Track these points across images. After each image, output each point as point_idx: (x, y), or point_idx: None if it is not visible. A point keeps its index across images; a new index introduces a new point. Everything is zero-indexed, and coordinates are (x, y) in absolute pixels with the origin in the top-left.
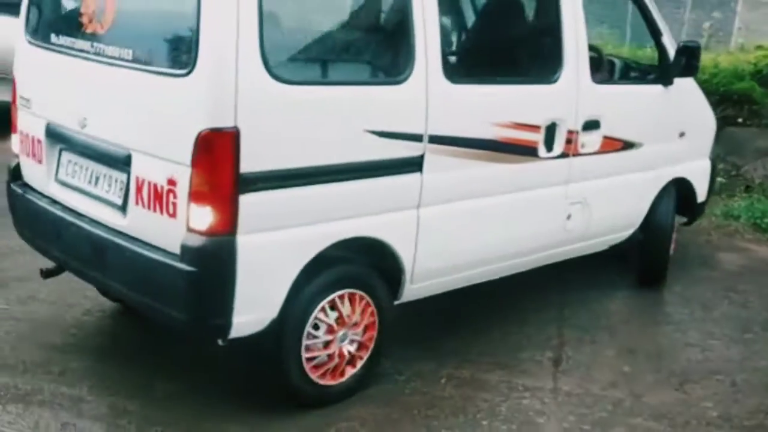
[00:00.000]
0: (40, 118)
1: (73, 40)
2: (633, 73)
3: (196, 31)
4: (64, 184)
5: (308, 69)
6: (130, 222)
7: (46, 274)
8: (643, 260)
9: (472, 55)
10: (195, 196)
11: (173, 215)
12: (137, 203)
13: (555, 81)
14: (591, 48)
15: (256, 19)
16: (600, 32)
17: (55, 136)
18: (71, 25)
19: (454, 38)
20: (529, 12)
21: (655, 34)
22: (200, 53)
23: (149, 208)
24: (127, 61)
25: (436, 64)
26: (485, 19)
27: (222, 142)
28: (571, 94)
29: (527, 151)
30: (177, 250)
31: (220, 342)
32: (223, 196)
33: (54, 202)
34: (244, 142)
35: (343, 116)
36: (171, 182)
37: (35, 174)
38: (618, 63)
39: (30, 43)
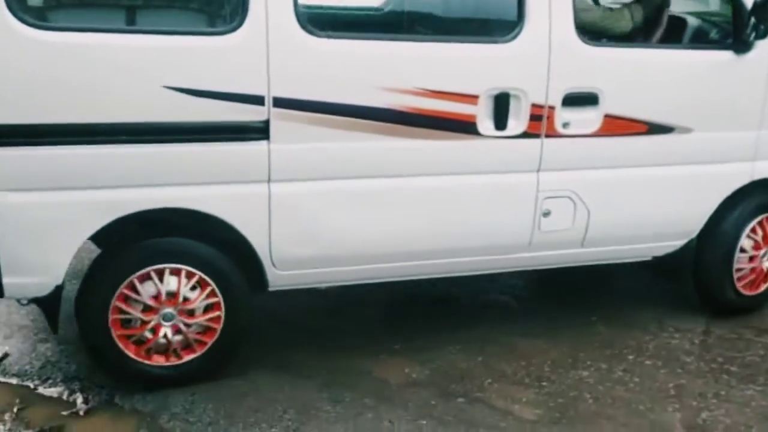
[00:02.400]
0: None
1: None
2: (687, 33)
3: None
4: None
5: (76, 14)
6: None
7: None
8: (696, 280)
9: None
10: None
11: None
12: None
13: (509, 39)
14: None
15: None
16: None
17: None
18: None
19: None
20: None
21: None
22: None
23: None
24: None
25: (285, 12)
26: None
27: None
28: (537, 57)
29: (456, 126)
30: None
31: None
32: None
33: None
34: None
35: (131, 70)
36: None
37: None
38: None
39: None
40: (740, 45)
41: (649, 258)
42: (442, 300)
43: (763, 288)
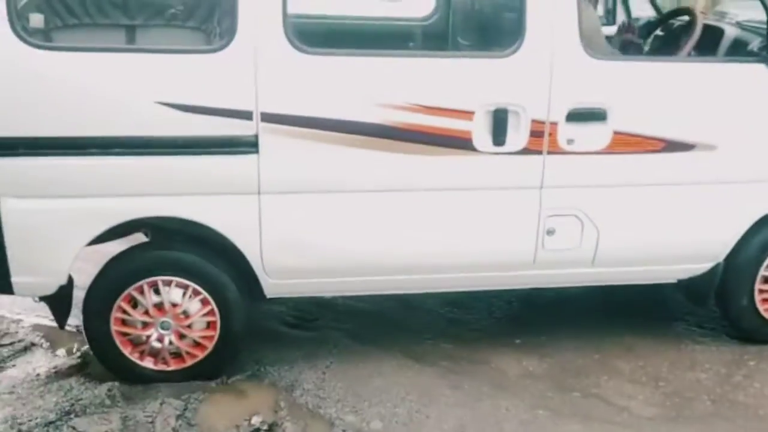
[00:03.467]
0: None
1: None
2: (723, 45)
3: None
4: None
5: (77, 35)
6: None
7: None
8: (719, 305)
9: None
10: None
11: None
12: None
13: (508, 53)
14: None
15: None
16: None
17: None
18: None
19: None
20: None
21: None
22: None
23: None
24: None
25: (274, 29)
26: None
27: None
28: (537, 71)
29: (452, 142)
30: None
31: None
32: None
33: None
34: None
35: (126, 86)
36: None
37: None
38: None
39: None
40: None
41: (673, 280)
42: (565, 299)
43: None
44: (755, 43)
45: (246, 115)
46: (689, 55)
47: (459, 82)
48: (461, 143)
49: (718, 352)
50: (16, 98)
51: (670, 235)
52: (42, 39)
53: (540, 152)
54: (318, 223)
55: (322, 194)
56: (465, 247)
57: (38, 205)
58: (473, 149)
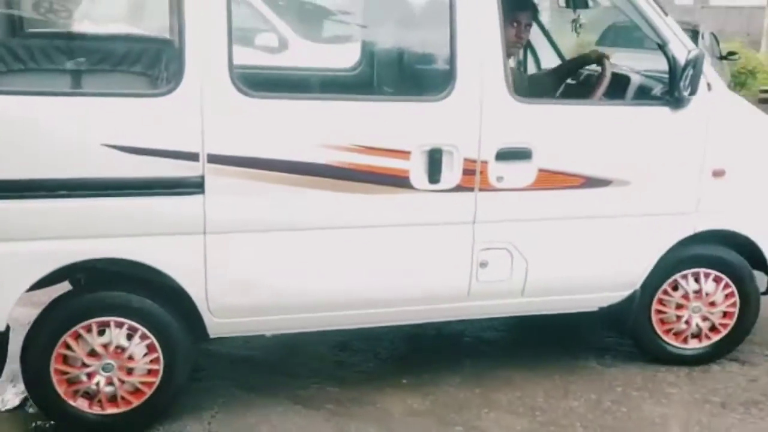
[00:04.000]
0: None
1: None
2: (630, 90)
3: None
4: None
5: (25, 80)
6: None
7: None
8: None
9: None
10: None
11: None
12: None
13: (441, 97)
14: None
15: None
16: None
17: None
18: None
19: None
20: (398, 10)
21: (659, 41)
22: None
23: None
24: None
25: (219, 74)
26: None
27: None
28: (468, 114)
29: (390, 180)
30: None
31: None
32: None
33: None
34: None
35: (74, 129)
36: None
37: None
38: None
39: None
40: (676, 101)
41: (595, 308)
42: (447, 336)
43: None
44: (657, 89)
45: (193, 157)
46: (601, 99)
47: (397, 123)
48: (400, 181)
49: (589, 380)
50: None
51: (592, 265)
52: None
53: (472, 189)
54: (262, 262)
55: (267, 233)
56: (405, 281)
57: None
58: (411, 187)
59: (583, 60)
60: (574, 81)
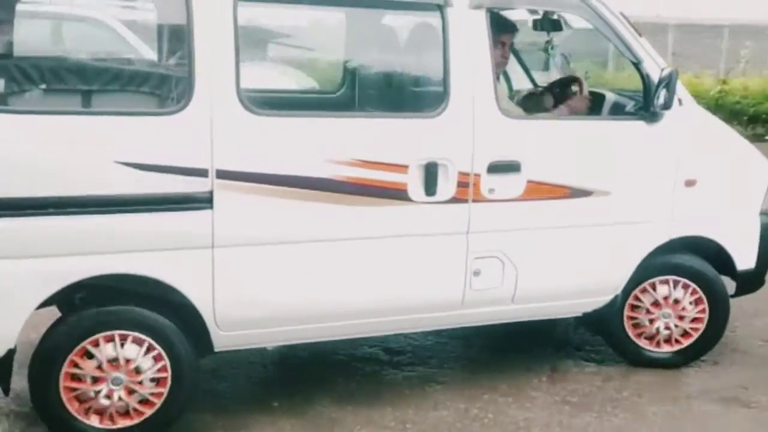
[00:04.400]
0: None
1: None
2: (606, 106)
3: None
4: None
5: (38, 99)
6: None
7: None
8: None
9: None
10: None
11: None
12: None
13: (436, 114)
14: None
15: None
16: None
17: None
18: None
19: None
20: (393, 37)
21: (634, 60)
22: None
23: None
24: None
25: (228, 94)
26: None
27: None
28: (461, 130)
29: (390, 193)
30: None
31: None
32: None
33: None
34: None
35: (87, 147)
36: None
37: None
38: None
39: None
40: (651, 115)
41: (579, 314)
42: (320, 355)
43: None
44: (630, 105)
45: (202, 173)
46: (582, 114)
47: (395, 139)
48: (398, 194)
49: (459, 390)
50: None
51: (577, 271)
52: (1, 103)
53: (466, 200)
54: (269, 274)
55: (273, 246)
56: (405, 290)
57: None
58: (408, 199)
59: (564, 81)
60: (556, 100)
